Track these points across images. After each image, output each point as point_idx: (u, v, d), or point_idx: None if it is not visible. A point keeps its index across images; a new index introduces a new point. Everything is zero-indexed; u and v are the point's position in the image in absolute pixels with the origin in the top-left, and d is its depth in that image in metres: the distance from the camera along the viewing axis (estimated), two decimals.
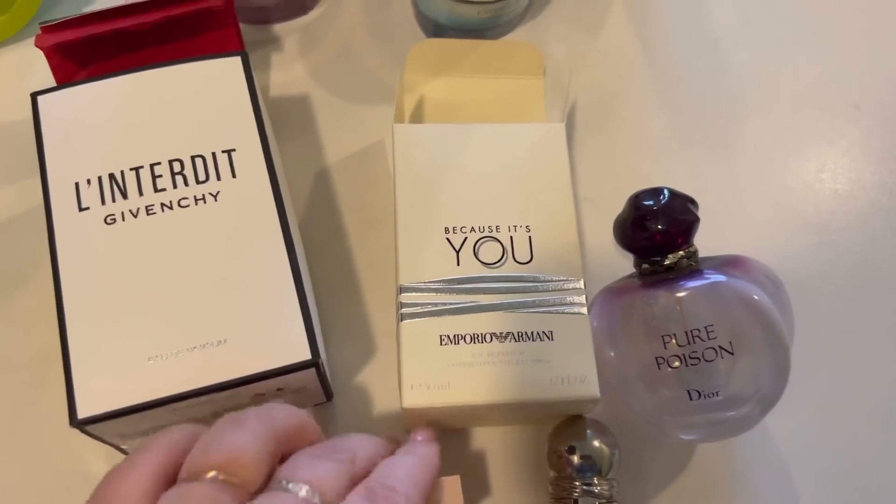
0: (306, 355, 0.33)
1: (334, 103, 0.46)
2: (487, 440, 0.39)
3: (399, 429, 0.39)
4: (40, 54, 0.39)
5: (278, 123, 0.44)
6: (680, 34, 0.49)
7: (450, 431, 0.39)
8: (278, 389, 0.34)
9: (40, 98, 0.36)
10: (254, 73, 0.38)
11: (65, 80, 0.40)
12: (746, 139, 0.46)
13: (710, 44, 0.49)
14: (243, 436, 0.27)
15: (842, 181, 0.46)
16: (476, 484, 0.38)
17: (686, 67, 0.48)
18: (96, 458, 0.38)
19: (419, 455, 0.31)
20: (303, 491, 0.26)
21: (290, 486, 0.26)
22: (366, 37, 0.47)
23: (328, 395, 0.39)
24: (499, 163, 0.39)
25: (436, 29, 0.46)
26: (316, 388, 0.36)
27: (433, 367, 0.34)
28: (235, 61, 0.37)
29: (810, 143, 0.47)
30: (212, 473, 0.25)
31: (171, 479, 0.26)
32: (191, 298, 0.33)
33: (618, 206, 0.37)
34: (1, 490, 0.37)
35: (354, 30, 0.48)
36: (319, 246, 0.42)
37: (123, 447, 0.35)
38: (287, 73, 0.46)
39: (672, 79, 0.47)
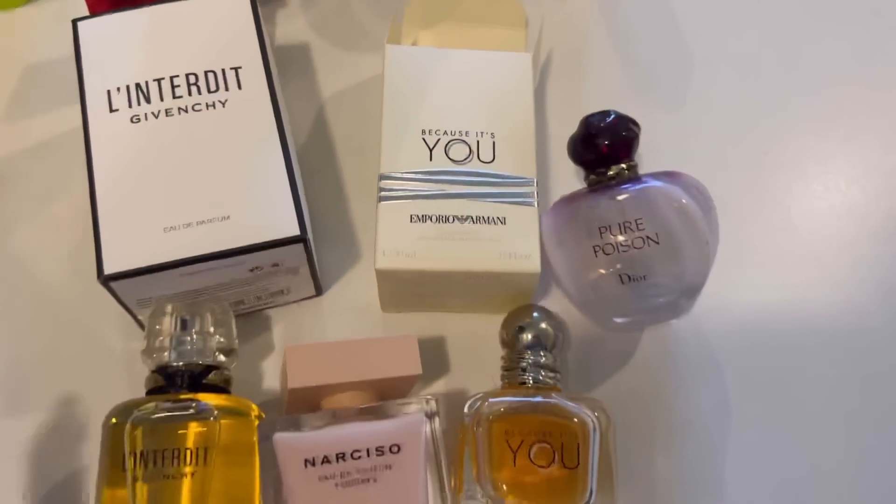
0: (295, 231, 0.39)
1: (331, 51, 0.52)
2: (447, 327, 0.45)
3: (379, 326, 0.45)
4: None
5: (281, 68, 0.51)
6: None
7: (414, 316, 0.45)
8: (273, 265, 0.40)
9: (80, 23, 0.43)
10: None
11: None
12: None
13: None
14: None
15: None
16: (436, 362, 0.44)
17: (641, 27, 0.55)
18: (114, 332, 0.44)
19: None
20: None
21: None
22: None
23: (318, 288, 0.45)
24: (473, 81, 0.45)
25: None
26: (306, 273, 0.42)
27: (403, 238, 0.40)
28: None
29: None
30: None
31: None
32: (201, 182, 0.39)
33: None
34: (37, 351, 0.44)
35: None
36: (315, 171, 0.48)
37: (139, 317, 0.41)
38: (290, 25, 0.53)
39: (629, 35, 0.54)
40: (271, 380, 0.44)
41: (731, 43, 0.55)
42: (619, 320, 0.42)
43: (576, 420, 0.38)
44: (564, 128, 0.45)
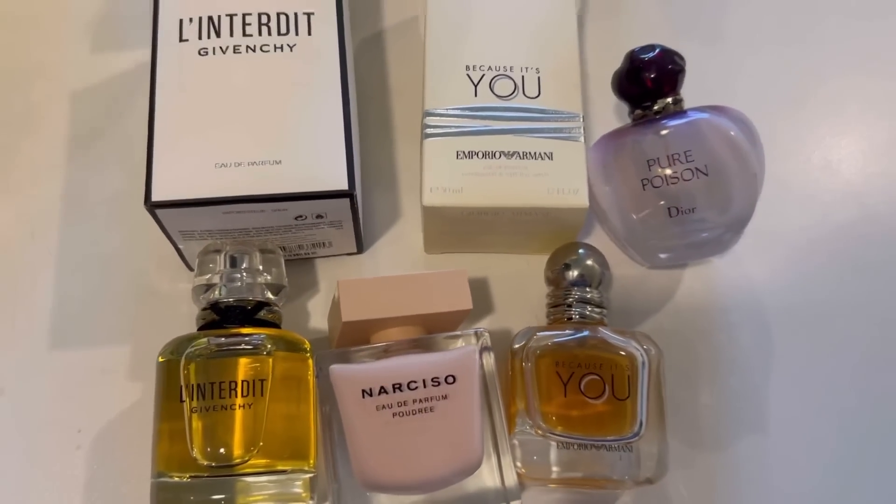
0: (343, 186, 0.38)
1: None
2: (490, 268, 0.45)
3: (422, 267, 0.45)
4: None
5: None
6: None
7: (458, 257, 0.45)
8: (318, 216, 0.40)
9: None
10: None
11: None
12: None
13: None
14: None
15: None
16: (480, 302, 0.44)
17: None
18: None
19: None
20: None
21: None
22: None
23: (359, 247, 0.45)
24: (516, 15, 0.45)
25: None
26: (349, 229, 0.42)
27: (450, 175, 0.40)
28: None
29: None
30: None
31: None
32: (258, 124, 0.39)
33: None
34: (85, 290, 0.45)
35: None
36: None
37: (180, 247, 0.41)
38: None
39: None
40: (317, 320, 0.44)
41: None
42: (664, 256, 0.43)
43: (623, 353, 0.38)
44: (603, 66, 0.45)
